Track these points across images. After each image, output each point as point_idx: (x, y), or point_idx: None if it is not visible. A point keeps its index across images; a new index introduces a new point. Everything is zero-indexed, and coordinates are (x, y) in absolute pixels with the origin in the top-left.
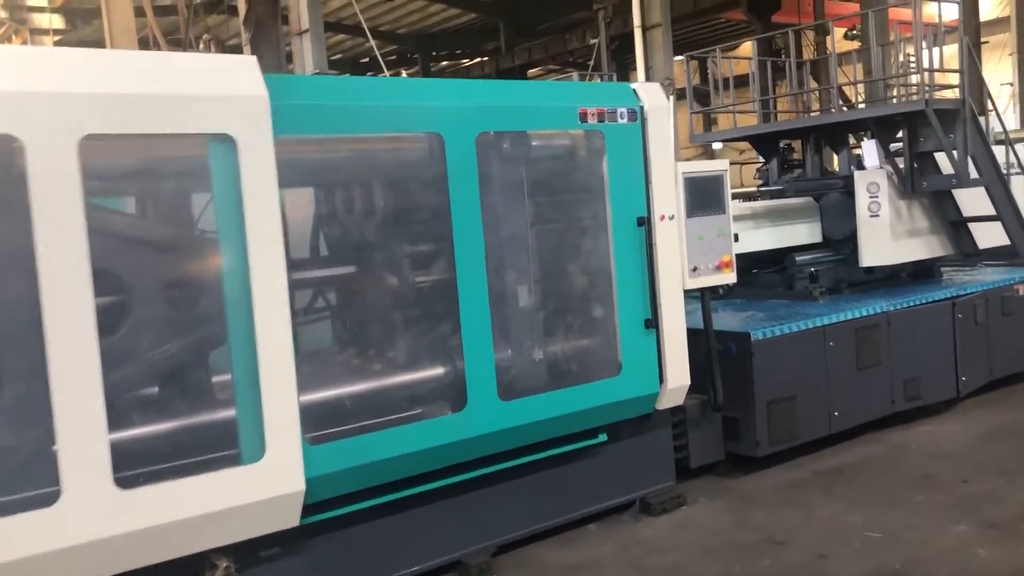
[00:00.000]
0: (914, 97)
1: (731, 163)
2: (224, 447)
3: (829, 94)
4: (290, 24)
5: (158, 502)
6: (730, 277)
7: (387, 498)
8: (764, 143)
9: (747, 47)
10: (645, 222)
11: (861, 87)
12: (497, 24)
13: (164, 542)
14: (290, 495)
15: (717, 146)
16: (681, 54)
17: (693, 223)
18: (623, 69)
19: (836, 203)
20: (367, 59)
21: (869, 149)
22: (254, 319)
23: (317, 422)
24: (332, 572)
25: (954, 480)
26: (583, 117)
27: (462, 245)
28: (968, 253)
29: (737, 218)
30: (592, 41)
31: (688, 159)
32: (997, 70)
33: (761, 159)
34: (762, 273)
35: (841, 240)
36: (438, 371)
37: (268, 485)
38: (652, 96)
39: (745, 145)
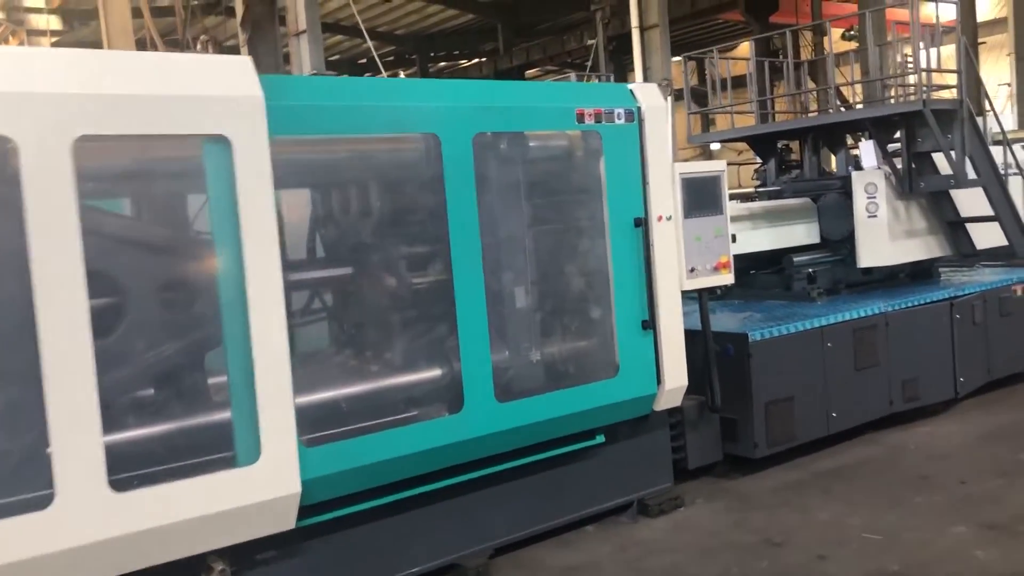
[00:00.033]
0: (912, 97)
1: (729, 164)
2: (219, 449)
3: (827, 94)
4: (287, 25)
5: (153, 505)
6: (728, 278)
7: (384, 500)
8: (762, 144)
9: (745, 48)
10: (642, 223)
11: (859, 87)
12: (495, 25)
13: (159, 545)
14: (286, 497)
15: (715, 147)
16: (679, 55)
17: (690, 224)
18: (621, 70)
19: (834, 204)
20: (365, 60)
21: (867, 150)
22: (250, 321)
23: (313, 424)
24: (329, 575)
25: (952, 481)
26: (580, 118)
27: (458, 246)
28: (966, 254)
29: (735, 219)
30: (590, 42)
31: (686, 160)
32: (995, 70)
33: (759, 160)
34: (760, 274)
35: (839, 241)
36: (435, 373)
37: (264, 487)
38: (649, 96)
39: (743, 146)
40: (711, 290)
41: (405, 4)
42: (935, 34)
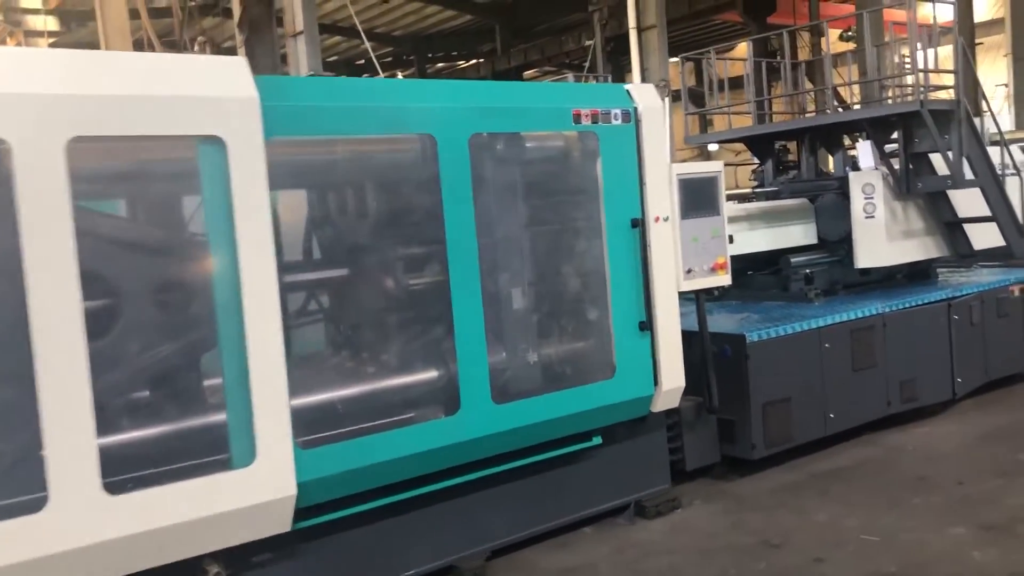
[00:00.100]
0: (909, 98)
1: (727, 164)
2: (214, 451)
3: (824, 95)
4: (285, 26)
5: (147, 507)
6: (725, 279)
7: (380, 502)
8: (759, 144)
9: (742, 48)
10: (639, 224)
11: (856, 88)
12: (493, 26)
13: (154, 548)
14: (281, 500)
15: (713, 147)
16: (677, 56)
17: (688, 225)
18: (619, 71)
19: (831, 204)
20: (362, 61)
21: (864, 150)
22: (245, 322)
23: (309, 426)
24: None
25: (950, 482)
26: (576, 118)
27: (455, 247)
28: (963, 254)
29: (732, 219)
30: (588, 43)
31: (684, 160)
32: (992, 71)
33: (756, 160)
34: (757, 275)
35: (836, 241)
36: (431, 374)
37: (259, 490)
38: (646, 97)
39: (741, 147)
40: (708, 291)
41: (403, 5)
42: (932, 35)
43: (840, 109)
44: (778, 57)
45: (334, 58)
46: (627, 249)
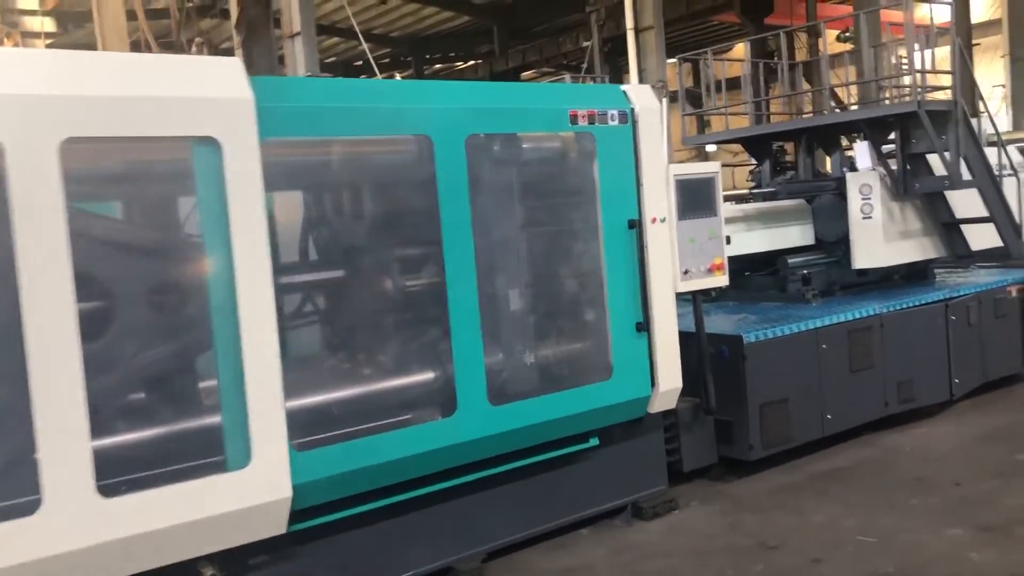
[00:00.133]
0: (906, 99)
1: (724, 165)
2: (209, 454)
3: (821, 96)
4: (282, 27)
5: (142, 510)
6: (722, 280)
7: (376, 504)
8: (757, 145)
9: (740, 49)
10: (636, 225)
11: (853, 89)
12: (491, 27)
13: (148, 551)
14: (277, 502)
15: (711, 148)
16: (674, 57)
17: (685, 226)
18: (616, 72)
19: (828, 205)
20: (360, 62)
21: (861, 151)
22: (240, 324)
23: (304, 428)
24: None
25: (948, 483)
26: (573, 119)
27: (451, 248)
28: (961, 255)
29: (729, 220)
30: (585, 44)
31: (682, 161)
32: (989, 72)
33: (754, 161)
34: (754, 276)
35: (834, 242)
36: (427, 376)
37: (254, 492)
38: (643, 98)
39: (739, 147)
40: (705, 292)
41: (401, 6)
42: (930, 35)
43: (837, 110)
44: (775, 58)
45: (332, 59)
46: (624, 250)
